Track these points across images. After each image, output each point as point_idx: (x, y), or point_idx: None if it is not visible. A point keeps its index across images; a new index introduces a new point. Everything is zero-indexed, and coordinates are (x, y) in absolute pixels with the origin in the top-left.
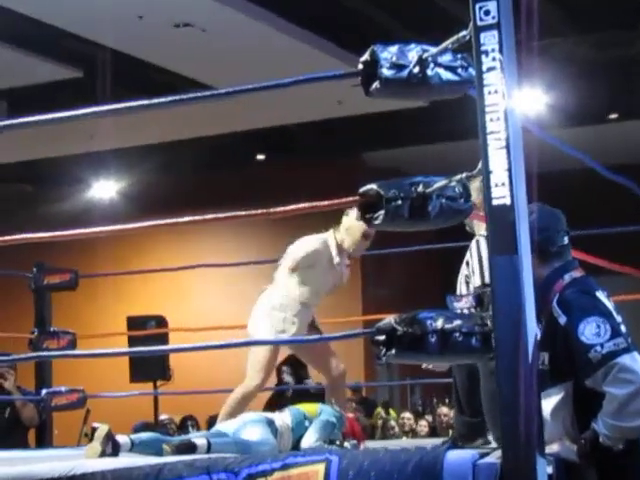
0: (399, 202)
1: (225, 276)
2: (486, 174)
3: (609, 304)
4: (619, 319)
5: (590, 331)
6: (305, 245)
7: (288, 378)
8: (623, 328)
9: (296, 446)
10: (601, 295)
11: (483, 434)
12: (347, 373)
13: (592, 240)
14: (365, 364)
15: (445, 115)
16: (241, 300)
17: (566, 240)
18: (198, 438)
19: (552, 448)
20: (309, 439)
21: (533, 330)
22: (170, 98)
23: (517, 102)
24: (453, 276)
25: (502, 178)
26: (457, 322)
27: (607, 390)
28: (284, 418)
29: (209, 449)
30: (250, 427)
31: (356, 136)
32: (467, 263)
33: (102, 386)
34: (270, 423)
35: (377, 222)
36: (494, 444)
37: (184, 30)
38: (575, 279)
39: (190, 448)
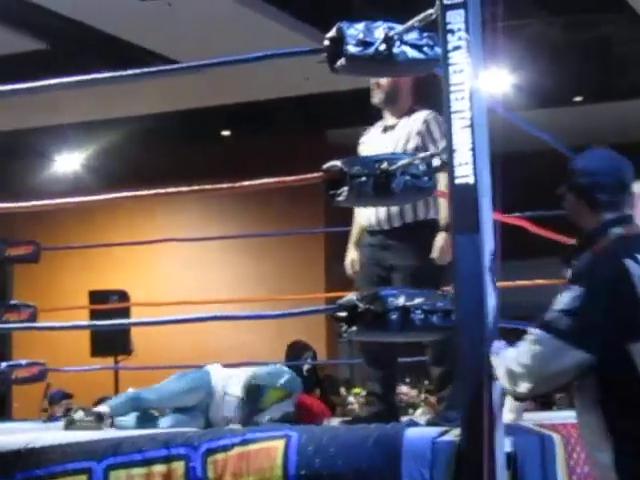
0: (363, 179)
1: (190, 251)
2: (450, 153)
3: (634, 282)
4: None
5: (563, 297)
6: None
7: None
8: (601, 318)
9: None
10: (631, 264)
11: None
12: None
13: (556, 221)
14: (327, 342)
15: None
16: (205, 275)
17: (625, 190)
18: (103, 405)
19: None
20: None
21: (494, 309)
22: (134, 71)
23: (482, 82)
24: None
25: (466, 157)
26: (418, 300)
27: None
28: (233, 388)
29: (113, 412)
30: (172, 381)
31: (323, 113)
32: None
33: (63, 360)
34: (204, 382)
35: (341, 199)
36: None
37: (150, 4)
38: (620, 237)
39: (99, 416)
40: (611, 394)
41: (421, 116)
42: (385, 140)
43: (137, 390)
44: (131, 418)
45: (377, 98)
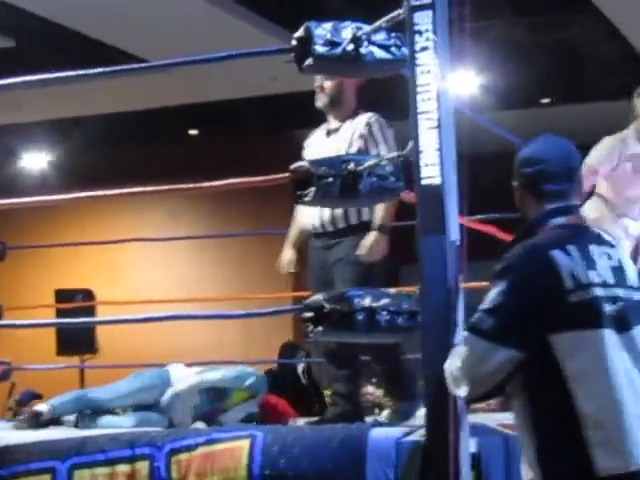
0: (330, 180)
1: (158, 251)
2: (416, 154)
3: (560, 273)
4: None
5: (489, 294)
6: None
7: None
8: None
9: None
10: (560, 256)
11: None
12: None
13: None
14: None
15: (380, 94)
16: (173, 274)
17: (572, 179)
18: (43, 404)
19: None
20: None
21: (460, 310)
22: (101, 70)
23: (450, 83)
24: None
25: (432, 158)
26: (385, 301)
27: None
28: (195, 387)
29: (54, 411)
30: (127, 380)
31: (291, 113)
32: None
33: (28, 359)
34: (161, 381)
35: (308, 199)
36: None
37: (118, 1)
38: (557, 228)
39: (36, 415)
40: (534, 389)
41: (364, 119)
42: (329, 143)
43: (84, 389)
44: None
45: (321, 101)
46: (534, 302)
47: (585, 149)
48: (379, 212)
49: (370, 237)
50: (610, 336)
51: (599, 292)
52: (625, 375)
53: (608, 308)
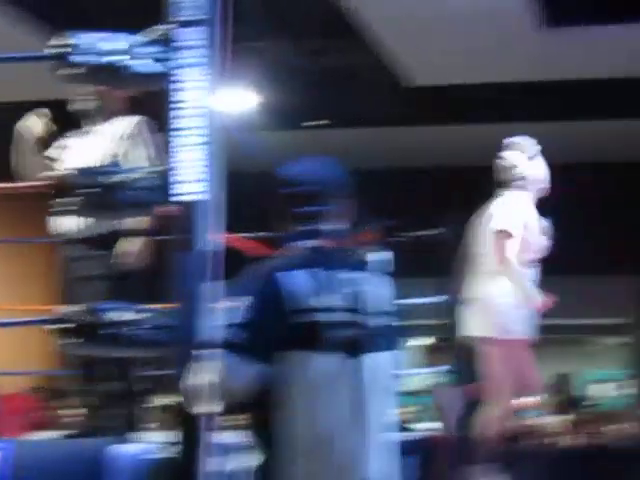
0: (89, 190)
1: None
2: (175, 169)
3: (282, 295)
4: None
5: (230, 311)
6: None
7: None
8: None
9: None
10: (286, 279)
11: None
12: (26, 361)
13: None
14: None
15: (150, 103)
16: None
17: (327, 202)
18: None
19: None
20: None
21: (213, 328)
22: None
23: (216, 100)
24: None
25: (192, 174)
26: (136, 315)
27: None
28: None
29: None
30: None
31: (64, 118)
32: None
33: None
34: None
35: (66, 209)
36: None
37: None
38: (303, 249)
39: None
40: (262, 407)
41: (129, 122)
42: (90, 145)
43: None
44: None
45: (82, 105)
46: (265, 320)
47: (354, 173)
48: (130, 219)
49: (123, 243)
50: (330, 361)
51: (323, 317)
52: (340, 402)
53: (334, 333)
